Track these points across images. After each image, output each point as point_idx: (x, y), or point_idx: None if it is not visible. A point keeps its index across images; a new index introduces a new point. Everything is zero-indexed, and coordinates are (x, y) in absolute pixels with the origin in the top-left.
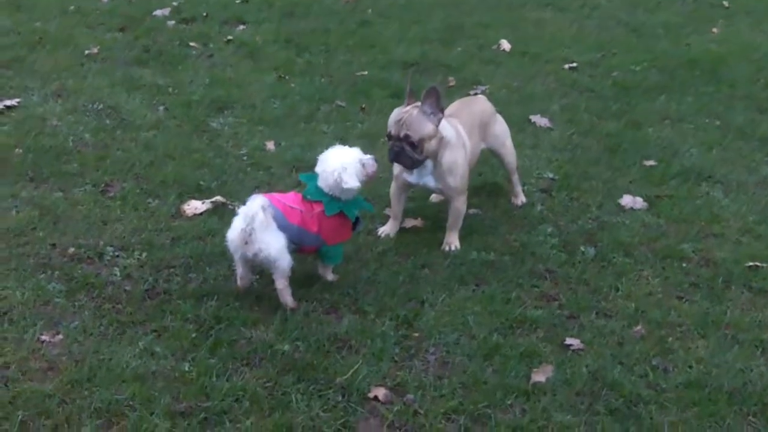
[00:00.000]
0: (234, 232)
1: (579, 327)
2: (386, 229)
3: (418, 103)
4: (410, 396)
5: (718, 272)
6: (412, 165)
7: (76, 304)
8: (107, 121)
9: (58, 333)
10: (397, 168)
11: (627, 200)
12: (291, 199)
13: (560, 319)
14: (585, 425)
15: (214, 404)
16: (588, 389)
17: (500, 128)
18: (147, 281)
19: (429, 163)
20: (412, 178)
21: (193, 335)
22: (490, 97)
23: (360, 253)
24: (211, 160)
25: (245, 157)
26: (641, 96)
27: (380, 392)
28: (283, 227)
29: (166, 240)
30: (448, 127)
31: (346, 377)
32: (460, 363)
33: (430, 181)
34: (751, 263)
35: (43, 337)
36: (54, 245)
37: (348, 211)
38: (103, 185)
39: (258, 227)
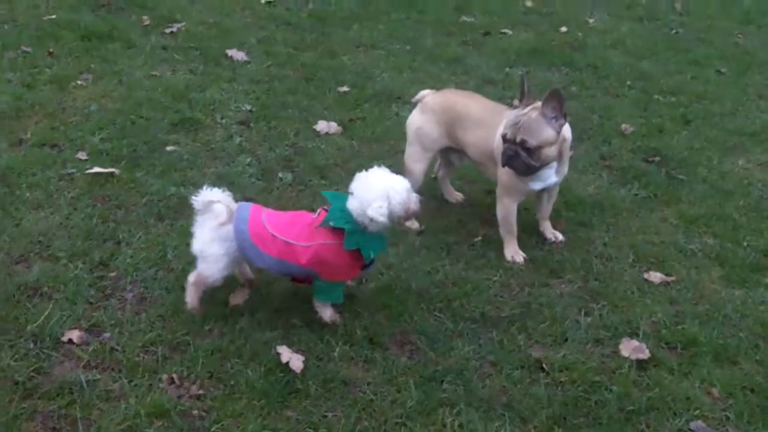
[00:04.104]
0: None
1: None
2: (515, 256)
3: (537, 105)
4: (107, 334)
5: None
6: (525, 172)
7: None
8: None
9: None
10: (513, 178)
11: (322, 126)
12: (285, 222)
13: None
14: (282, 339)
15: None
16: (285, 305)
17: None
18: None
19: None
20: (537, 185)
21: None
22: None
23: (52, 199)
24: None
25: None
26: (336, 26)
27: (74, 335)
28: (246, 249)
29: None
30: (568, 128)
31: (37, 324)
32: (159, 297)
33: (552, 179)
34: (436, 175)
35: None
36: None
37: (365, 250)
38: None
39: (198, 220)
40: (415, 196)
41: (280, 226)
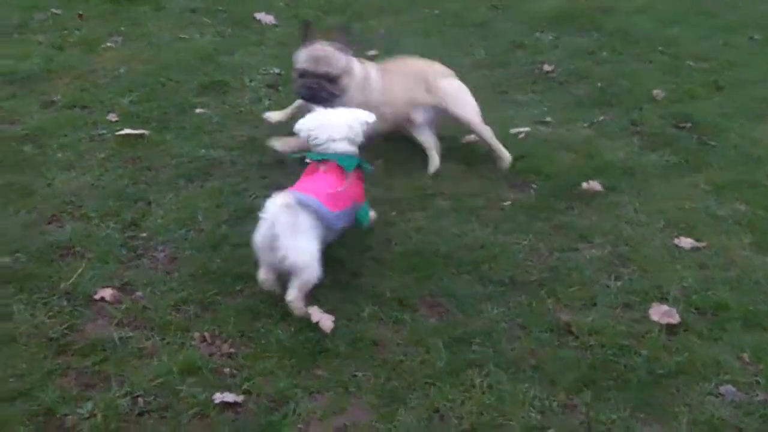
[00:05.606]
0: (259, 237)
1: None
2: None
3: (326, 43)
4: (139, 293)
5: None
6: (329, 101)
7: None
8: None
9: None
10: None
11: None
12: (324, 182)
13: None
14: (312, 299)
15: None
16: None
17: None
18: None
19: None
20: None
21: None
22: None
23: (82, 160)
24: None
25: None
26: None
27: (107, 293)
28: (329, 220)
29: None
30: (359, 67)
31: (70, 282)
32: (189, 257)
33: None
34: (465, 140)
35: None
36: None
37: (363, 165)
38: None
39: (281, 232)
40: None
41: (323, 186)
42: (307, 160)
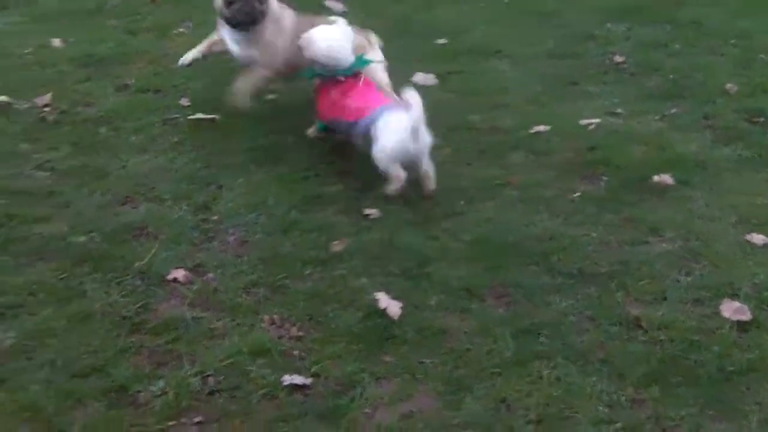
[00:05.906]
0: (402, 137)
1: (374, 198)
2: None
3: None
4: (210, 275)
5: (505, 139)
6: (259, 21)
7: None
8: None
9: None
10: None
11: (419, 77)
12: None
13: (356, 192)
14: (380, 286)
15: (8, 299)
16: (383, 253)
17: None
18: None
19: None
20: (234, 48)
21: None
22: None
23: (156, 143)
24: None
25: (30, 56)
26: None
27: (179, 273)
28: None
29: None
30: (276, 5)
31: (144, 262)
32: (259, 240)
33: (234, 50)
34: (534, 130)
35: None
36: None
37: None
38: None
39: (420, 124)
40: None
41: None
42: (341, 78)
